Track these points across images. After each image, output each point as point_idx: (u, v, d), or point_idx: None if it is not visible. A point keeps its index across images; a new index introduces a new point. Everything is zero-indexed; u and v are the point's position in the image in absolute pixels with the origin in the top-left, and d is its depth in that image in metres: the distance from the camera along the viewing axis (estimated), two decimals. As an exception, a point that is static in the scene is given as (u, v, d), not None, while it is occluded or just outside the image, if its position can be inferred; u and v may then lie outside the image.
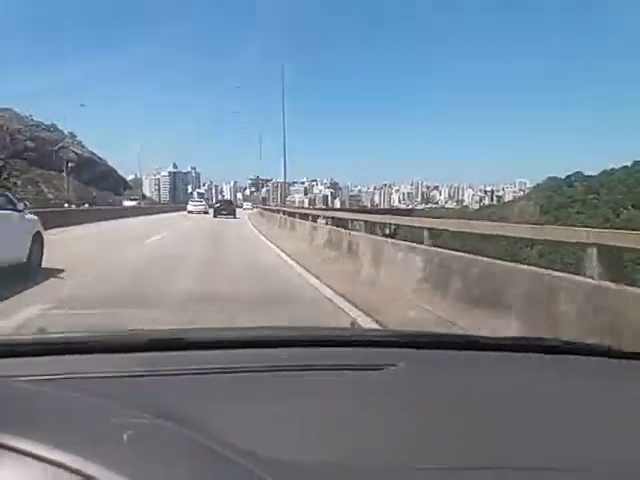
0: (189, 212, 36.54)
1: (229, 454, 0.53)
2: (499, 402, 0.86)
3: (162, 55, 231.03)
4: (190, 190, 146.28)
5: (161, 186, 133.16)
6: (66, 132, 58.50)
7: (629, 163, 40.59)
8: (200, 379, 0.90)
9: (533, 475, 0.62)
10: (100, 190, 55.48)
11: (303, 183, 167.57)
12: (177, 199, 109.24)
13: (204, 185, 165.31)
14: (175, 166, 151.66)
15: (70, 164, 50.71)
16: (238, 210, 37.83)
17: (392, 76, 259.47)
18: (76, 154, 55.19)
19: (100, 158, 60.87)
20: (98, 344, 1.02)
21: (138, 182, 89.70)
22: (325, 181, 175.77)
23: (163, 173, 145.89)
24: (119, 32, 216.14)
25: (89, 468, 0.46)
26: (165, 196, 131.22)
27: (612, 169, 45.56)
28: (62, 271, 6.68)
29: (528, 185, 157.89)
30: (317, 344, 1.11)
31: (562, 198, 44.82)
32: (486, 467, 0.62)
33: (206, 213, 36.39)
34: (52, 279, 6.25)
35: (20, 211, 6.70)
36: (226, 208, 33.86)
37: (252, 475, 0.50)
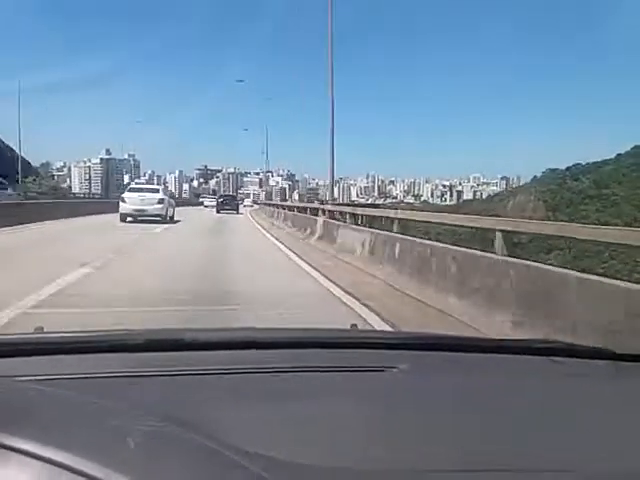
0: (205, 206, 47.12)
1: (231, 456, 0.53)
2: (502, 405, 0.87)
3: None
4: (127, 180, 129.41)
5: (92, 175, 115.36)
6: None
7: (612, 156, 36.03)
8: (200, 380, 0.90)
9: (537, 477, 0.62)
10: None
11: (258, 174, 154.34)
12: (110, 191, 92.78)
13: (144, 175, 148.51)
14: (109, 152, 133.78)
15: None
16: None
17: (345, 70, 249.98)
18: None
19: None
20: (97, 344, 1.01)
21: (45, 167, 71.87)
22: (281, 172, 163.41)
23: (94, 160, 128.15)
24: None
25: (91, 469, 0.46)
26: (97, 187, 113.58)
27: (602, 160, 39.45)
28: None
29: (482, 180, 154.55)
30: (317, 346, 1.10)
31: (570, 194, 36.46)
32: (489, 469, 0.62)
33: None
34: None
35: (172, 198, 23.53)
36: (229, 203, 35.83)
37: (256, 477, 0.51)
